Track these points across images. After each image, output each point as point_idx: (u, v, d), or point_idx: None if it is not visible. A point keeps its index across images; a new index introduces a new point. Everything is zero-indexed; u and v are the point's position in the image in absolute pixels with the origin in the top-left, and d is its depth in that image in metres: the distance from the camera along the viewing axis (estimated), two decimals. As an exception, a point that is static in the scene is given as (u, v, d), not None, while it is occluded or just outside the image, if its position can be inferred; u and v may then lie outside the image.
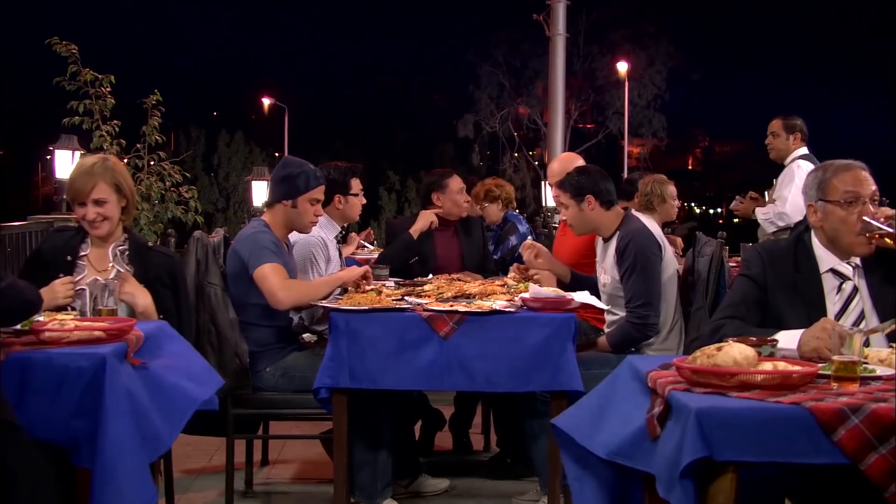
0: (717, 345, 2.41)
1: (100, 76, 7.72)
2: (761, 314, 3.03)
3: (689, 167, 56.86)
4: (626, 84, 34.78)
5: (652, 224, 4.39)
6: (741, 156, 57.90)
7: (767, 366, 2.36)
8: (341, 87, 55.31)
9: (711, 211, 55.68)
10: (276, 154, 40.27)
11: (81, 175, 3.71)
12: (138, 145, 7.95)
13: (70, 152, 8.32)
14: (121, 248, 3.77)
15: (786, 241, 3.22)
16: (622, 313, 4.29)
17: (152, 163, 8.06)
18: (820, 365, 2.50)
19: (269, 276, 4.13)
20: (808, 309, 2.96)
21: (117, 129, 7.77)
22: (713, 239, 4.34)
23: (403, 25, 62.10)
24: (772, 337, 2.66)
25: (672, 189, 5.91)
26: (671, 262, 4.30)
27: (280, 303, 4.13)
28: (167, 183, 7.95)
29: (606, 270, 4.34)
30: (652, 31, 36.32)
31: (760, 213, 6.47)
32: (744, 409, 2.18)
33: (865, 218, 2.92)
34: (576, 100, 35.39)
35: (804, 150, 6.38)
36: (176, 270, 3.84)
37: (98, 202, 3.67)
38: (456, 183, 5.57)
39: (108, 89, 7.73)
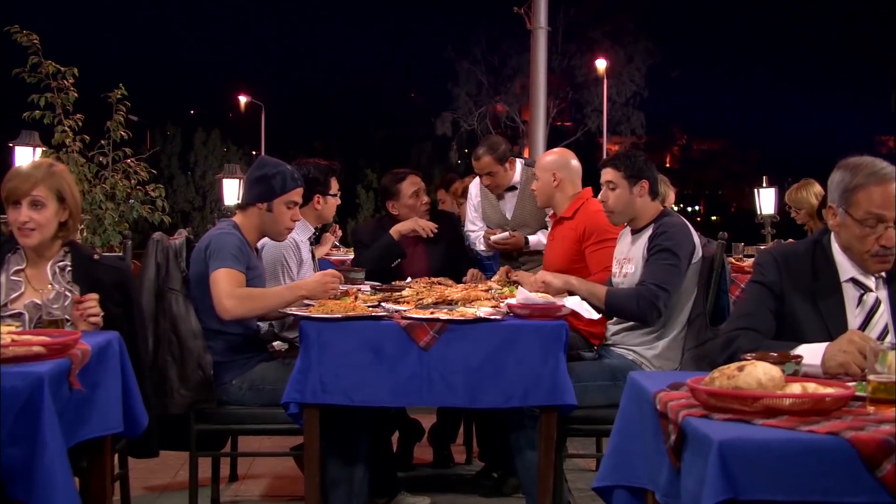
0: (737, 364, 2.11)
1: (62, 68, 7.34)
2: (777, 325, 2.75)
3: (668, 165, 56.79)
4: (605, 81, 34.60)
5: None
6: (718, 154, 58.10)
7: (795, 387, 2.06)
8: (319, 84, 54.86)
9: (689, 209, 55.72)
10: (253, 152, 40.00)
11: (20, 174, 3.30)
12: (102, 141, 7.59)
13: (31, 149, 7.94)
14: (60, 263, 3.35)
15: (804, 244, 2.90)
16: None
17: (128, 161, 7.71)
18: (851, 384, 2.22)
19: (221, 281, 3.80)
20: (828, 320, 2.69)
21: (80, 124, 7.41)
22: (713, 240, 4.05)
23: (382, 23, 61.75)
24: (795, 352, 2.38)
25: (671, 194, 5.62)
26: (695, 268, 3.96)
27: (225, 311, 3.78)
28: (132, 181, 7.59)
29: (632, 260, 4.01)
30: (631, 27, 36.21)
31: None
32: (773, 440, 1.88)
33: None
34: (554, 97, 35.16)
35: (520, 164, 5.50)
36: (127, 283, 3.45)
37: (35, 204, 3.24)
38: (409, 186, 5.26)
39: (72, 82, 7.37)
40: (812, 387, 2.08)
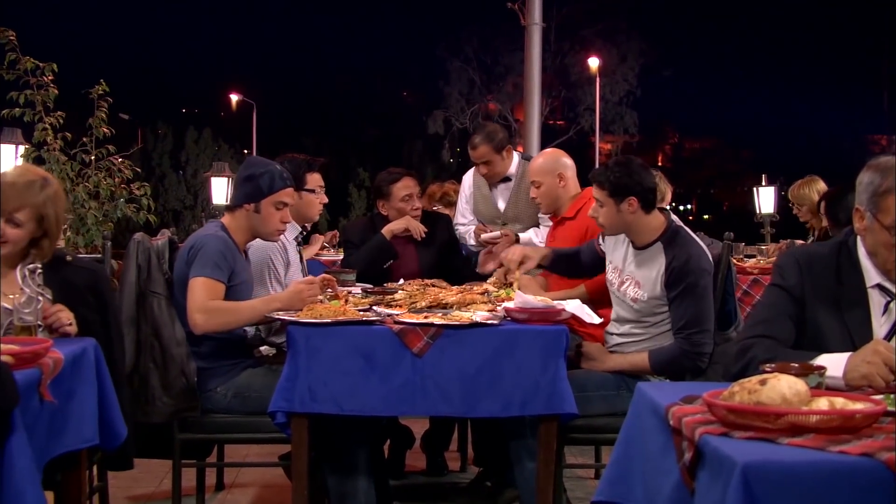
0: (759, 377, 1.95)
1: (41, 64, 7.14)
2: (796, 332, 2.57)
3: (660, 163, 56.70)
4: (598, 80, 34.47)
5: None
6: (710, 152, 58.03)
7: (822, 403, 1.90)
8: (310, 83, 54.60)
9: (682, 207, 55.69)
10: (245, 151, 39.84)
11: (12, 187, 3.09)
12: (85, 139, 7.39)
13: (14, 146, 7.74)
14: (31, 266, 3.09)
15: (828, 247, 2.71)
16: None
17: (112, 158, 7.50)
18: (878, 397, 2.06)
19: (196, 290, 3.64)
20: (852, 328, 2.52)
21: (61, 122, 7.20)
22: (718, 241, 3.89)
23: (374, 21, 61.54)
24: (818, 363, 2.21)
25: (668, 192, 5.45)
26: None
27: (195, 326, 3.62)
28: (117, 179, 7.38)
29: (642, 286, 3.74)
30: (623, 26, 36.14)
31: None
32: (801, 462, 1.72)
33: None
34: (547, 96, 35.02)
35: (517, 156, 5.39)
36: (101, 285, 3.27)
37: (12, 221, 3.07)
38: (401, 189, 5.02)
39: (51, 78, 7.16)
40: (840, 402, 1.91)
